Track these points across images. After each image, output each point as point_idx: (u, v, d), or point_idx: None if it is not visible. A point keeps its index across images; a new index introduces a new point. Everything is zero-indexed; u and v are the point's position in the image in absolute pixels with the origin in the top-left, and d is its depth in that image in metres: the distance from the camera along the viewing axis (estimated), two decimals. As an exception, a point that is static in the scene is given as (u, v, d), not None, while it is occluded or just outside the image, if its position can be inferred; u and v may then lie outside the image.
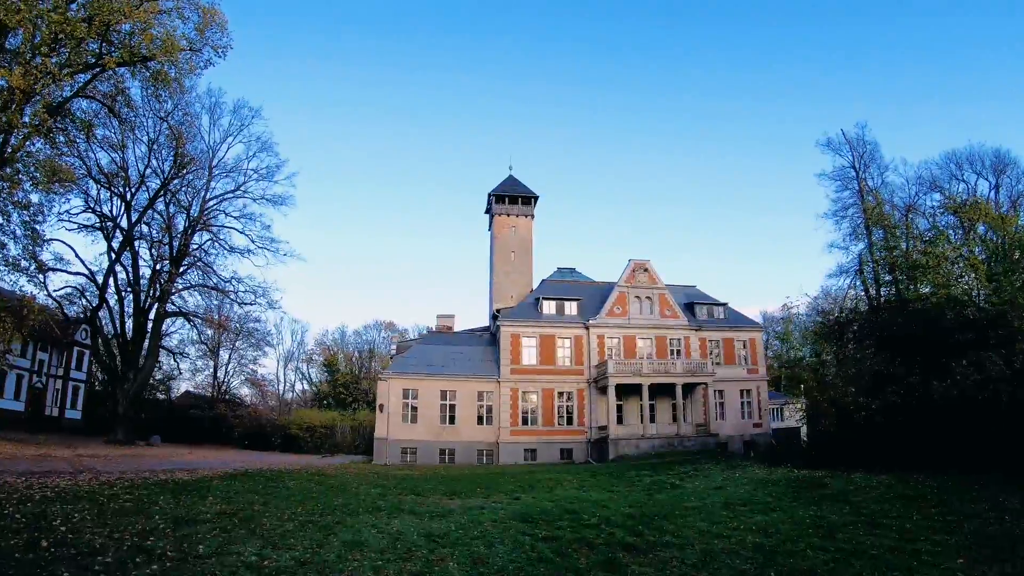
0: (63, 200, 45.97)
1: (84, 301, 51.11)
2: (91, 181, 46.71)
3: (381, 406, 50.63)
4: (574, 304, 55.19)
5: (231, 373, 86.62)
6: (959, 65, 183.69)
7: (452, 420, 50.99)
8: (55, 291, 48.41)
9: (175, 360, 67.85)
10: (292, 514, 15.32)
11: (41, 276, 46.99)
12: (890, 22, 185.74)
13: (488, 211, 65.70)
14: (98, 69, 29.02)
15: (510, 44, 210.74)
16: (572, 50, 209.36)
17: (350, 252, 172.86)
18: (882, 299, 40.11)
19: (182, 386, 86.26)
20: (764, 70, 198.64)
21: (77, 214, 47.40)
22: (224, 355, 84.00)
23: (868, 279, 43.30)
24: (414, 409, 50.80)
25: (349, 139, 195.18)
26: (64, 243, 48.38)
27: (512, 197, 62.96)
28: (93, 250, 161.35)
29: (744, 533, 14.39)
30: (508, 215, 62.49)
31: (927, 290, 31.34)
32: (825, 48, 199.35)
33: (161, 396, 79.56)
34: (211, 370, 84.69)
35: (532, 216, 63.13)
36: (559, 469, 38.32)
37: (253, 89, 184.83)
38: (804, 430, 45.95)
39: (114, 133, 43.57)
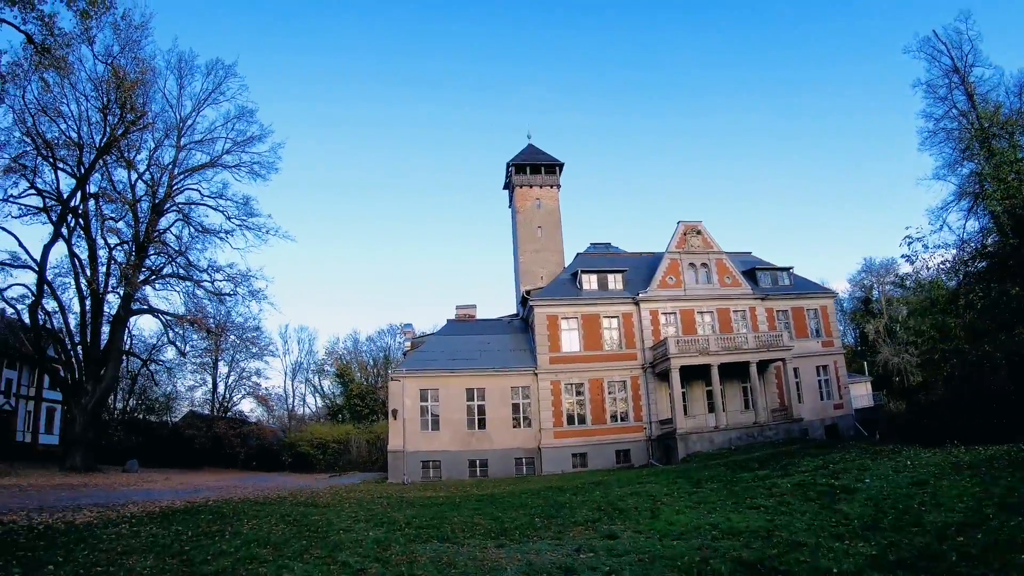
0: (8, 181, 38.72)
1: (48, 303, 43.17)
2: (33, 152, 39.03)
3: (394, 412, 42.05)
4: (619, 276, 46.51)
5: (232, 388, 79.08)
6: None
7: (482, 424, 42.35)
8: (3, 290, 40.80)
9: (147, 369, 59.57)
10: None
11: None
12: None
13: (507, 185, 58.03)
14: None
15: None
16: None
17: (358, 253, 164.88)
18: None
19: (183, 406, 79.58)
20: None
21: (20, 196, 39.62)
22: (223, 368, 76.52)
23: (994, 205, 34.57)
24: (435, 413, 42.35)
25: (346, 135, 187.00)
26: (7, 231, 39.66)
27: (534, 166, 55.52)
28: (42, 238, 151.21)
29: None
30: (531, 186, 54.92)
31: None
32: None
33: (154, 419, 73.25)
34: (209, 385, 77.51)
35: (558, 186, 55.48)
36: (627, 477, 29.10)
37: (236, 54, 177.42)
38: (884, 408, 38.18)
39: (54, 91, 36.12)
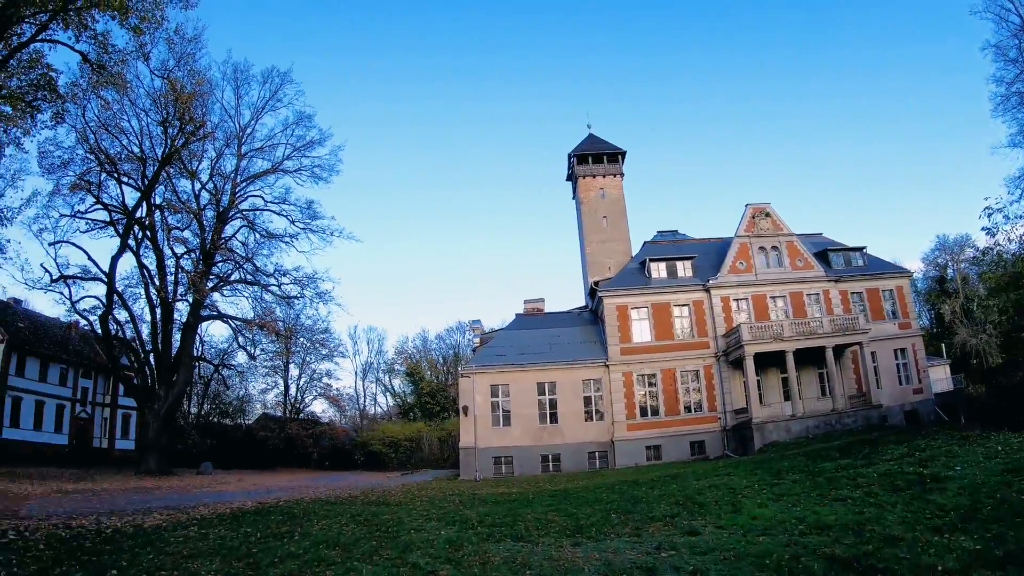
0: (75, 198, 39.89)
1: (120, 313, 44.41)
2: (97, 168, 40.30)
3: (465, 408, 41.96)
4: (688, 264, 45.53)
5: (303, 389, 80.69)
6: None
7: (554, 418, 41.99)
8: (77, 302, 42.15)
9: (219, 374, 60.81)
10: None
11: (67, 288, 40.87)
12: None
13: (570, 176, 57.63)
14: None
15: None
16: None
17: (424, 251, 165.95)
18: None
19: (256, 409, 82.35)
20: None
21: (87, 211, 40.99)
22: (294, 370, 78.08)
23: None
24: (506, 409, 42.16)
25: (404, 131, 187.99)
26: (76, 246, 40.95)
27: (596, 155, 54.99)
28: (110, 250, 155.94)
29: None
30: (594, 176, 54.40)
31: None
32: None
33: (228, 422, 75.32)
34: (281, 388, 79.15)
35: (621, 175, 54.73)
36: (703, 470, 28.12)
37: (294, 54, 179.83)
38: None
39: (114, 108, 37.31)
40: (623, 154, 54.95)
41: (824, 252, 46.95)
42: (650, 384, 42.36)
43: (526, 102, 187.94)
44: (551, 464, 40.58)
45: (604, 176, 54.19)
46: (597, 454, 41.00)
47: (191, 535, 13.31)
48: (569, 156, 56.08)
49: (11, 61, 24.95)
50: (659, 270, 45.32)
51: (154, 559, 10.65)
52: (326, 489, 30.29)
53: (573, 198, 57.59)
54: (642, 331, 43.42)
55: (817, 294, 44.36)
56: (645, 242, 51.37)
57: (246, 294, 47.14)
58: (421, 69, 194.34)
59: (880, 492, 14.59)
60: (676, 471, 28.56)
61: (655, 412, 41.82)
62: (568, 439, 41.21)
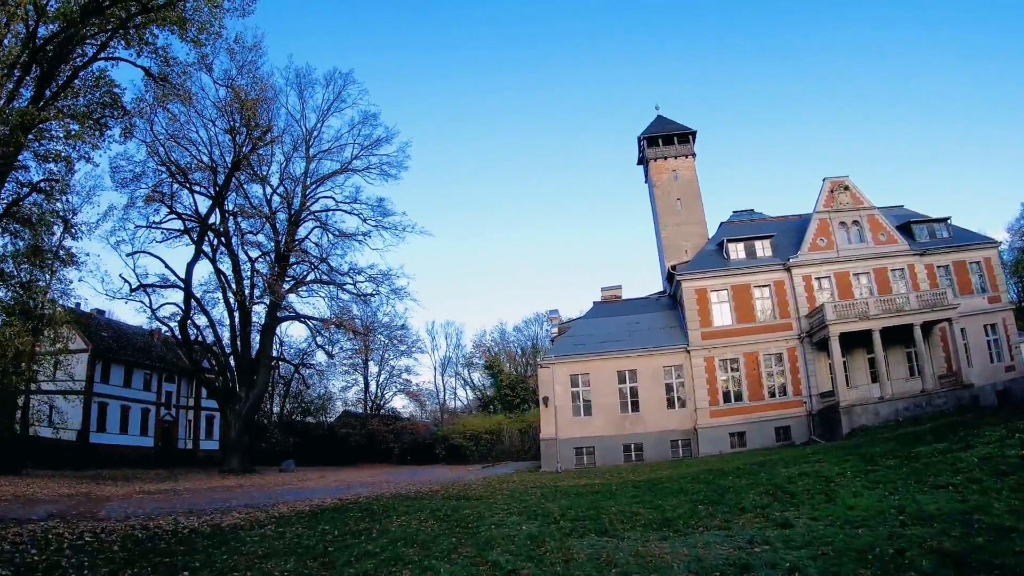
0: (150, 209, 41.13)
1: (199, 319, 46.07)
2: (169, 179, 41.86)
3: (545, 399, 41.75)
4: (766, 243, 44.21)
5: (383, 386, 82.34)
6: None
7: (635, 407, 41.43)
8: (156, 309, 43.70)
9: (299, 373, 62.17)
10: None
11: (146, 297, 42.34)
12: None
13: (641, 160, 56.70)
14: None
15: None
16: None
17: (497, 243, 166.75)
18: None
19: (338, 406, 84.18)
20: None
21: (162, 221, 42.43)
22: (373, 367, 79.72)
23: None
24: (586, 398, 41.78)
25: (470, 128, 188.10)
26: (153, 255, 42.31)
27: (666, 137, 53.92)
28: (185, 258, 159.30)
29: None
30: (665, 158, 53.36)
31: None
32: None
33: (311, 420, 77.30)
34: (361, 385, 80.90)
35: (693, 155, 53.58)
36: (791, 456, 27.16)
37: (350, 50, 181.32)
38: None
39: (181, 120, 38.59)
40: (693, 134, 53.75)
41: (907, 225, 44.87)
42: (732, 369, 41.37)
43: (590, 89, 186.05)
44: (633, 453, 40.05)
45: (676, 158, 53.14)
46: (680, 442, 40.27)
47: (267, 534, 13.47)
48: (639, 139, 55.13)
49: (75, 81, 25.84)
50: (737, 251, 44.21)
51: (228, 559, 10.71)
52: (406, 484, 30.62)
53: (645, 182, 56.82)
54: (722, 314, 42.45)
55: (902, 269, 42.47)
56: (721, 223, 50.15)
57: (322, 294, 48.32)
58: (481, 61, 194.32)
59: (983, 478, 13.71)
60: (762, 458, 27.78)
61: (738, 398, 40.82)
62: (650, 427, 40.61)
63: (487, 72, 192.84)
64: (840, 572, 8.32)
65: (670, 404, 41.29)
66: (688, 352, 41.56)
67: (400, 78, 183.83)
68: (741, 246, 44.29)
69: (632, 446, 40.30)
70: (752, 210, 52.50)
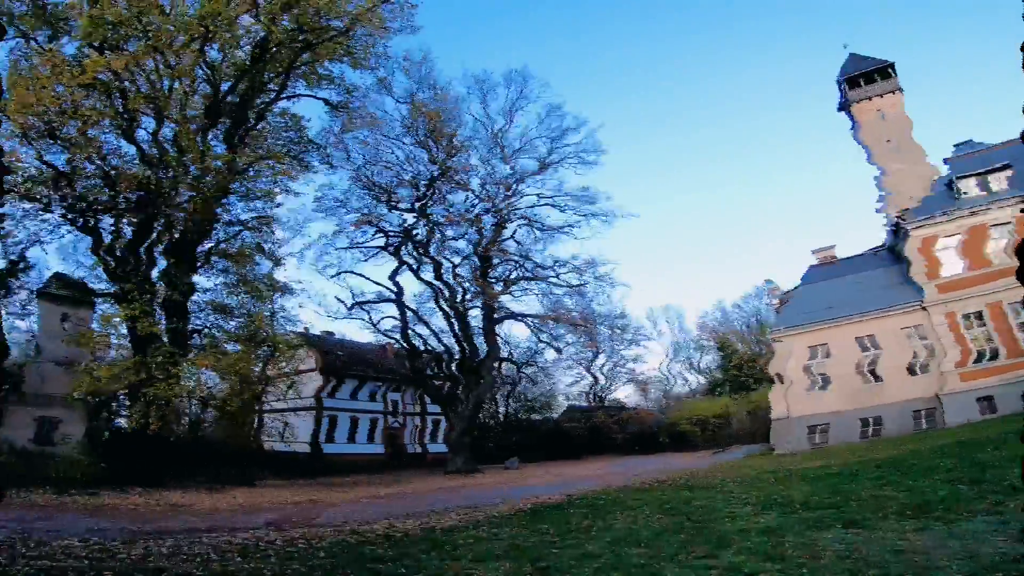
0: (358, 233, 43.59)
1: (419, 328, 48.58)
2: (372, 200, 44.60)
3: (779, 376, 39.53)
4: (1001, 175, 37.81)
5: (609, 377, 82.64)
6: None
7: (873, 376, 37.91)
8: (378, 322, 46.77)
9: (522, 372, 63.29)
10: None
11: (365, 313, 44.97)
12: None
13: (842, 106, 51.29)
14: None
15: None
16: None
17: (700, 218, 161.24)
18: None
19: (562, 401, 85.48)
20: None
21: (365, 242, 45.58)
22: (600, 360, 79.36)
23: None
24: (819, 372, 39.13)
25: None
26: (362, 275, 45.27)
27: (866, 75, 48.30)
28: (386, 273, 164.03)
29: None
30: (868, 98, 47.75)
31: None
32: None
33: (536, 417, 78.35)
34: (588, 378, 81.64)
35: (899, 90, 47.37)
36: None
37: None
38: None
39: (370, 143, 41.93)
40: (892, 65, 47.83)
41: None
42: (978, 323, 35.99)
43: (767, 38, 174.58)
44: (871, 429, 36.58)
45: (881, 96, 47.43)
46: (923, 413, 36.01)
47: (481, 535, 13.21)
48: (838, 82, 50.06)
49: (261, 124, 28.05)
50: (968, 187, 38.35)
51: (439, 564, 10.46)
52: (632, 475, 29.93)
53: (851, 128, 50.83)
54: (953, 262, 37.22)
55: None
56: (945, 159, 43.94)
57: (534, 291, 48.85)
58: (652, 35, 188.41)
59: None
60: (1018, 425, 24.44)
61: (993, 356, 35.19)
62: (888, 399, 36.83)
63: (652, 42, 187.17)
64: None
65: (911, 370, 37.25)
66: (925, 309, 37.09)
67: (569, 60, 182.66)
68: (972, 182, 38.49)
69: (870, 420, 36.88)
70: (971, 140, 45.63)
